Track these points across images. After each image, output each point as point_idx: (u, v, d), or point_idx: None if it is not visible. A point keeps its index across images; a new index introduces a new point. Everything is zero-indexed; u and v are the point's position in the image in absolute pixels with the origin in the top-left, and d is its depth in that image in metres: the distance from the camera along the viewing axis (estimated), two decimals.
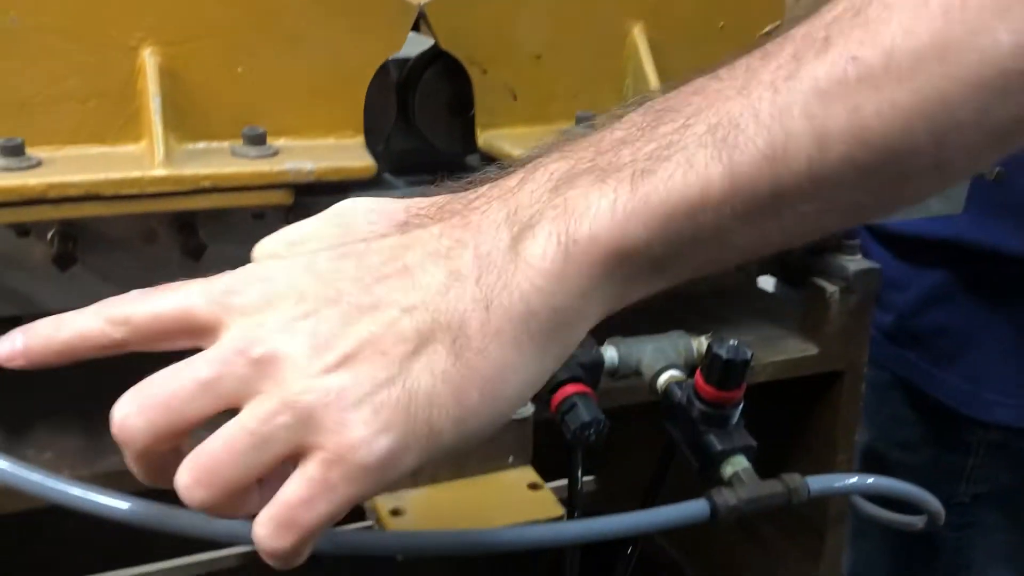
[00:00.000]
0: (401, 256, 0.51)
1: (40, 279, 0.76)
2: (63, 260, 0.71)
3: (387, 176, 0.91)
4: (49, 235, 0.75)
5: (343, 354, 0.48)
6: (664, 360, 0.88)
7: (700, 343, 0.89)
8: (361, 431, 0.47)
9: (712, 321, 1.16)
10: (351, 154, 0.73)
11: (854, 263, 1.06)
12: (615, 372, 0.89)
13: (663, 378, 0.86)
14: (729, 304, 1.22)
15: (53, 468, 0.82)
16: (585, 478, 1.73)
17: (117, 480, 0.82)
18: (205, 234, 0.78)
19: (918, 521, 1.03)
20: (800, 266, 1.11)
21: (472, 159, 1.00)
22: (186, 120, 0.72)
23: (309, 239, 0.55)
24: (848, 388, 1.12)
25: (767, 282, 1.33)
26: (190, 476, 0.48)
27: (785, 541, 1.26)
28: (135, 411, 0.48)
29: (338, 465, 0.47)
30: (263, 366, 0.47)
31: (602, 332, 0.91)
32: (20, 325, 1.07)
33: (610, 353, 0.88)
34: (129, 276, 0.79)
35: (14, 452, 0.84)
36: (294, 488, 0.48)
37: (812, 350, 1.09)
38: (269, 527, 0.48)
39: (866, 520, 1.26)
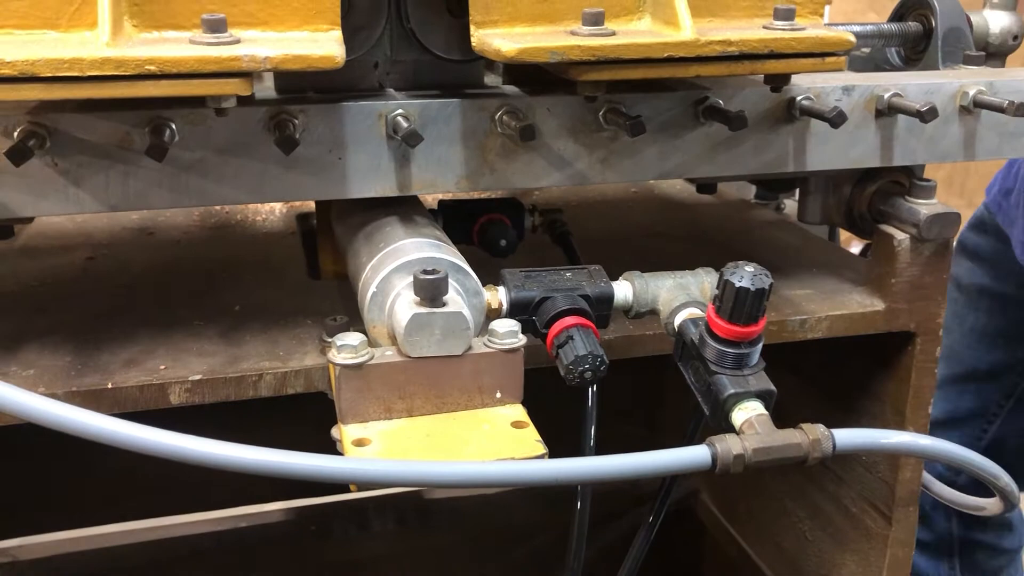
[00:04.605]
0: None
1: (9, 182, 0.72)
2: (16, 154, 0.67)
3: (390, 91, 0.84)
4: (16, 132, 0.71)
5: None
6: (684, 296, 0.78)
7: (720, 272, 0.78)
8: None
9: None
10: (318, 45, 0.66)
11: (928, 207, 0.93)
12: (629, 309, 0.80)
13: (680, 316, 0.76)
14: (790, 257, 1.10)
15: (32, 384, 0.79)
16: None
17: (93, 399, 0.79)
18: (180, 139, 0.74)
19: (989, 505, 0.90)
20: (867, 212, 0.99)
21: (493, 79, 0.92)
22: (146, 7, 0.67)
23: None
24: (921, 352, 0.99)
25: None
26: None
27: (850, 524, 1.14)
28: None
29: None
30: None
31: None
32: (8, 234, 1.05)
33: (623, 288, 0.79)
34: (104, 184, 0.75)
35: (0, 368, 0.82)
36: None
37: (877, 305, 0.97)
38: None
39: None
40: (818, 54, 0.76)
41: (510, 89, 0.86)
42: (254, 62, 0.63)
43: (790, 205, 1.36)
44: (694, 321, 0.74)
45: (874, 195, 0.98)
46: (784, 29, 0.76)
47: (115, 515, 1.43)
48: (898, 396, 1.02)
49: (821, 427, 0.67)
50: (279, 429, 1.17)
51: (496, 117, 0.80)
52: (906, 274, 0.95)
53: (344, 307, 0.92)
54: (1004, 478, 0.79)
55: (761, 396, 0.68)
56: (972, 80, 0.93)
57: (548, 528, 1.52)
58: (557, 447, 0.68)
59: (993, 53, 1.10)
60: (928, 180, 0.95)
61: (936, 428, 1.55)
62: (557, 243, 0.99)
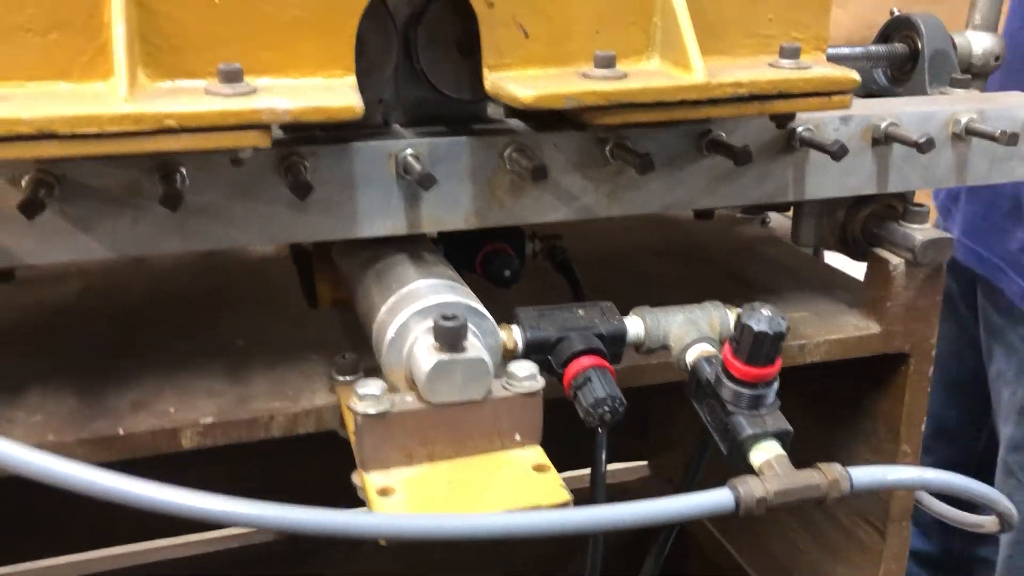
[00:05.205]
0: None
1: (15, 229, 0.71)
2: (29, 207, 0.66)
3: (396, 127, 0.84)
4: (24, 181, 0.70)
5: None
6: (695, 333, 0.79)
7: (737, 315, 0.80)
8: None
9: (761, 294, 1.07)
10: (335, 94, 0.66)
11: (922, 232, 0.95)
12: (640, 345, 0.80)
13: (692, 353, 0.77)
14: (783, 277, 1.11)
15: (40, 431, 0.78)
16: (636, 463, 1.65)
17: (105, 446, 0.78)
18: (189, 183, 0.73)
19: (986, 523, 0.92)
20: (862, 236, 1.00)
21: (495, 110, 0.92)
22: (159, 56, 0.66)
23: None
24: (915, 372, 1.01)
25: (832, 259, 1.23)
26: None
27: (843, 537, 1.16)
28: None
29: None
30: None
31: (633, 305, 0.83)
32: (8, 277, 1.03)
33: (635, 324, 0.80)
34: (112, 229, 0.74)
35: (5, 414, 0.80)
36: None
37: (873, 328, 0.99)
38: None
39: None
40: (824, 93, 0.77)
41: (516, 124, 0.86)
42: (274, 115, 0.63)
43: (775, 218, 1.38)
44: (708, 360, 0.75)
45: (868, 219, 0.99)
46: (791, 68, 0.77)
47: (105, 540, 1.41)
48: (892, 415, 1.04)
49: (838, 467, 0.69)
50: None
51: (504, 154, 0.80)
52: (901, 297, 0.97)
53: (347, 339, 0.92)
54: (1004, 502, 0.81)
55: (778, 436, 0.70)
56: (964, 107, 0.94)
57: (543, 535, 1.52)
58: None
59: (976, 74, 1.13)
60: (921, 205, 0.97)
61: (930, 439, 1.58)
62: (559, 270, 1.00)
